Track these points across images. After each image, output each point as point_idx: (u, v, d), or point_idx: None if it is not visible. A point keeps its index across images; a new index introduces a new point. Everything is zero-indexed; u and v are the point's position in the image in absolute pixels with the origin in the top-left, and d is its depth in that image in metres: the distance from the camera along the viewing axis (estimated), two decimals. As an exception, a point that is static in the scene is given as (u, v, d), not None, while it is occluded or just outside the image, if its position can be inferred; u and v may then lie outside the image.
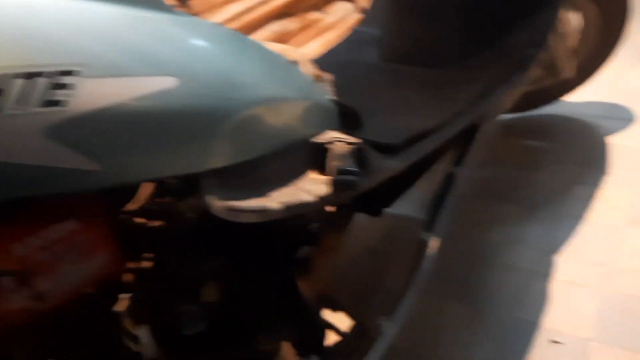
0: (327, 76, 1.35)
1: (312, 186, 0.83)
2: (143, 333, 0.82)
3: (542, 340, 1.16)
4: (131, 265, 0.78)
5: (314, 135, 0.89)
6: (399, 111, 1.17)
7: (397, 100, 1.23)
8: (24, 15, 0.58)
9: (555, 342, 1.15)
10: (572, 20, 1.73)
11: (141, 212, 0.78)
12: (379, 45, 1.54)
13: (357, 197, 0.90)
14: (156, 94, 0.63)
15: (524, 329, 1.20)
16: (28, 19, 0.58)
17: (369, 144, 0.92)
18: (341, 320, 1.17)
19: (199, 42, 0.72)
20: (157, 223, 0.79)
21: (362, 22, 1.71)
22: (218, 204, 0.70)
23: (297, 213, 0.79)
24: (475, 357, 1.17)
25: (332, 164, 0.82)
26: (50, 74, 0.57)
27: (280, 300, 0.84)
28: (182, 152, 0.67)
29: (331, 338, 1.14)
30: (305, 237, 1.03)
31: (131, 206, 0.79)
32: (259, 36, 2.67)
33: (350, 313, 1.21)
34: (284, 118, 0.82)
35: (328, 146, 0.87)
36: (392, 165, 0.97)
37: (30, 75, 0.55)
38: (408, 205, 1.55)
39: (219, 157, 0.71)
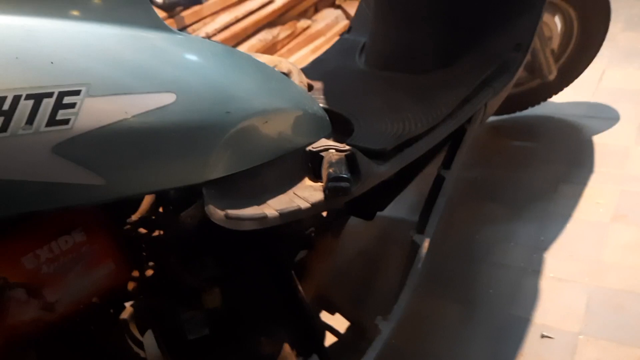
0: (317, 84, 1.39)
1: (306, 193, 0.87)
2: (148, 340, 0.85)
3: (534, 335, 1.20)
4: (135, 274, 0.81)
5: (308, 143, 0.92)
6: (388, 117, 1.20)
7: (385, 106, 1.27)
8: (29, 39, 0.61)
9: (546, 336, 1.19)
10: (553, 23, 1.78)
11: (143, 222, 0.81)
12: (365, 53, 1.57)
13: (351, 201, 0.93)
14: (157, 110, 0.66)
15: (516, 324, 1.23)
16: (33, 42, 0.61)
17: (360, 150, 0.96)
18: (338, 321, 1.20)
19: (196, 59, 0.75)
20: (158, 233, 0.82)
21: (349, 30, 1.75)
22: (218, 212, 0.73)
23: (293, 219, 0.82)
24: (468, 353, 1.20)
25: (325, 171, 0.85)
26: (56, 95, 0.59)
27: (280, 302, 0.87)
28: (182, 165, 0.70)
29: (329, 339, 1.17)
30: (302, 242, 1.07)
31: (134, 217, 0.81)
32: (249, 44, 2.70)
33: (346, 314, 1.24)
34: (279, 128, 0.85)
35: (322, 154, 0.91)
36: (383, 171, 1.00)
37: (37, 97, 0.58)
38: (400, 208, 1.60)
39: (217, 168, 0.74)
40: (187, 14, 2.44)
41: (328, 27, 3.08)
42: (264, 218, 0.77)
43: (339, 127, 1.10)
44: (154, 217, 0.82)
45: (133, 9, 0.70)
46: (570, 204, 1.56)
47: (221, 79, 0.76)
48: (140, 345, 0.85)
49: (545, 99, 1.90)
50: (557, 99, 1.93)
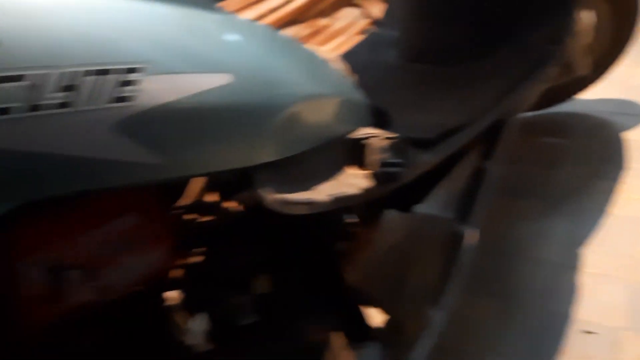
0: (351, 76, 1.38)
1: (354, 180, 0.86)
2: (193, 326, 0.84)
3: (575, 331, 1.18)
4: (183, 259, 0.80)
5: (349, 132, 0.91)
6: (426, 108, 1.19)
7: (421, 98, 1.25)
8: (89, 17, 0.60)
9: (588, 332, 1.16)
10: (586, 18, 1.76)
11: (192, 207, 0.80)
12: (397, 46, 1.56)
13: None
14: (213, 90, 0.66)
15: (556, 321, 1.21)
16: (94, 20, 0.60)
17: (404, 139, 0.94)
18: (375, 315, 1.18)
19: (249, 40, 0.74)
20: (207, 218, 0.81)
21: (379, 24, 1.74)
22: (270, 196, 0.72)
23: (343, 205, 0.81)
24: (508, 351, 1.18)
25: (374, 157, 0.84)
26: (118, 72, 0.59)
27: (328, 291, 0.86)
28: (236, 147, 0.70)
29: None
30: (341, 232, 1.05)
31: (182, 202, 0.81)
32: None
33: (384, 307, 1.22)
34: (325, 114, 0.84)
35: (365, 142, 0.90)
36: (427, 160, 0.99)
37: (100, 73, 0.57)
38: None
39: (268, 152, 0.74)
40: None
41: (348, 25, 3.07)
42: (314, 203, 0.77)
43: (375, 118, 1.09)
44: (201, 202, 0.81)
45: None
46: (605, 200, 1.53)
47: (274, 62, 0.75)
48: (186, 331, 0.84)
49: (576, 94, 1.87)
50: (584, 95, 1.90)
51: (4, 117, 0.52)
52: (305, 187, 0.79)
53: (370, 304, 1.20)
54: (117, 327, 0.79)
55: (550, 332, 1.19)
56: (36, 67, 0.54)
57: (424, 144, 1.00)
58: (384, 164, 0.82)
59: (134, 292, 0.73)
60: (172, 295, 0.85)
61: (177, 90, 0.63)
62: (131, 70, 0.60)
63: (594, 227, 1.44)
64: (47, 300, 0.66)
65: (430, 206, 1.28)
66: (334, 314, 0.82)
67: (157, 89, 0.61)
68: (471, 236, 1.03)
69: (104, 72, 0.58)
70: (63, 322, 0.69)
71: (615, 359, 1.10)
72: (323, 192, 0.79)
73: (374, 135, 0.90)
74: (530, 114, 1.95)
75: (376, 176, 0.83)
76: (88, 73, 0.57)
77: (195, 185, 0.83)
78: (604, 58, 1.83)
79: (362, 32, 2.66)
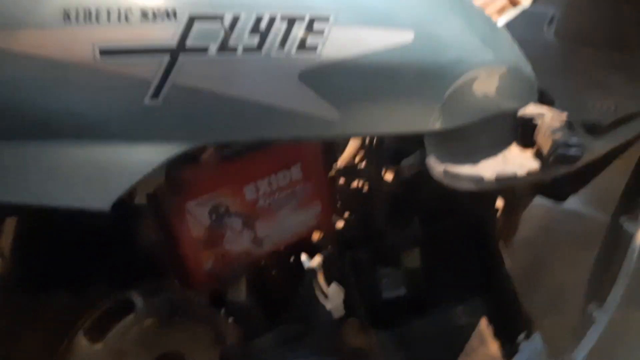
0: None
1: (521, 160, 0.79)
2: (334, 291, 0.83)
3: None
4: (334, 222, 0.78)
5: (518, 107, 0.84)
6: (594, 93, 1.08)
7: (588, 81, 1.14)
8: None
9: None
10: None
11: (349, 171, 0.78)
12: (557, 25, 1.44)
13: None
14: (396, 48, 0.62)
15: None
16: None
17: (577, 120, 0.86)
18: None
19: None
20: (360, 183, 0.79)
21: (535, 1, 1.62)
22: (438, 166, 0.68)
23: (508, 185, 0.75)
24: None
25: (549, 137, 0.77)
26: (307, 19, 0.57)
27: (481, 273, 0.81)
28: (411, 110, 0.66)
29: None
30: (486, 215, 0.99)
31: (339, 164, 0.79)
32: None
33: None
34: (496, 85, 0.78)
35: (536, 119, 0.83)
36: (598, 147, 0.90)
37: (291, 19, 0.56)
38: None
39: (440, 119, 0.69)
40: None
41: (489, 2, 2.92)
42: (481, 179, 0.72)
43: (542, 96, 1.01)
44: (358, 168, 0.78)
45: None
46: None
47: (454, 25, 0.71)
48: (326, 296, 0.83)
49: None
50: None
51: (202, 56, 0.52)
52: (472, 161, 0.74)
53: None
54: (263, 282, 0.79)
55: None
56: (235, 7, 0.53)
57: (596, 129, 0.90)
58: (560, 145, 0.75)
59: (291, 246, 0.73)
60: (316, 257, 0.85)
61: (361, 43, 0.60)
62: (320, 19, 0.58)
63: None
64: (209, 243, 0.67)
65: (584, 198, 1.18)
66: (486, 298, 0.77)
67: (342, 41, 0.59)
68: (639, 234, 0.93)
69: (295, 18, 0.56)
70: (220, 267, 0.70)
71: None
72: (489, 169, 0.74)
73: (545, 114, 0.83)
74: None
75: (550, 157, 0.75)
76: (281, 18, 0.55)
77: (352, 148, 0.81)
78: None
79: (502, 10, 2.52)
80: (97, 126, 0.51)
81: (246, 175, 0.66)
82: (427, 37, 0.65)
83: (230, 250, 0.68)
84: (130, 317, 0.71)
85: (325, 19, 0.58)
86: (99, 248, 0.71)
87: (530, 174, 0.77)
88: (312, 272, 0.83)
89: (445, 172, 0.68)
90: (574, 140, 0.76)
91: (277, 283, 0.82)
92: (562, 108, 1.00)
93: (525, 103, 0.85)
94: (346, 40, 0.59)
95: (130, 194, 0.58)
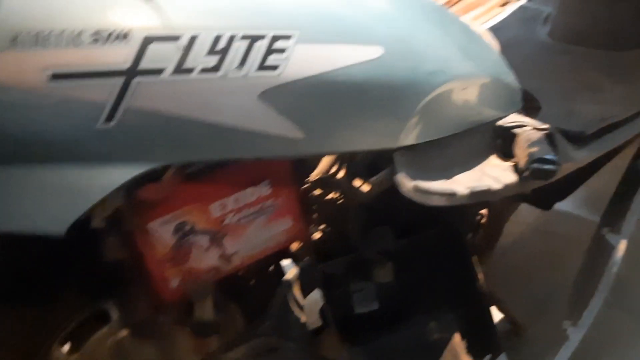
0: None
1: (496, 172, 0.78)
2: (310, 303, 0.82)
3: None
4: (306, 235, 0.78)
5: (499, 117, 0.82)
6: (582, 96, 1.06)
7: (578, 84, 1.12)
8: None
9: None
10: None
11: (322, 183, 0.77)
12: (551, 23, 1.41)
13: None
14: (363, 64, 0.61)
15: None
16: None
17: (558, 131, 0.84)
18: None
19: (403, 12, 0.68)
20: (334, 195, 0.78)
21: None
22: (408, 183, 0.67)
23: (482, 200, 0.74)
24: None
25: (525, 150, 0.76)
26: (269, 38, 0.56)
27: (455, 288, 0.80)
28: (380, 127, 0.65)
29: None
30: (470, 224, 0.98)
31: (312, 177, 0.78)
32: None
33: (502, 308, 1.14)
34: (475, 96, 0.76)
35: (515, 131, 0.81)
36: (580, 157, 0.88)
37: (251, 38, 0.55)
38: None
39: (412, 135, 0.68)
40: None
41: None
42: (453, 195, 0.70)
43: (525, 104, 0.99)
44: (331, 179, 0.77)
45: None
46: None
47: (428, 37, 0.69)
48: (301, 308, 0.82)
49: None
50: None
51: (157, 77, 0.51)
52: (445, 176, 0.72)
53: (496, 305, 1.13)
54: (234, 295, 0.79)
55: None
56: (192, 28, 0.52)
57: (579, 139, 0.89)
58: (535, 160, 0.73)
59: (260, 261, 0.72)
60: (291, 270, 0.84)
61: (326, 61, 0.59)
62: (282, 38, 0.56)
63: None
64: (175, 260, 0.66)
65: (570, 206, 1.17)
66: (458, 315, 0.76)
67: (305, 59, 0.58)
68: (620, 247, 0.91)
69: (256, 37, 0.55)
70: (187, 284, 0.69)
71: None
72: (463, 183, 0.72)
73: (525, 125, 0.81)
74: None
75: (524, 171, 0.74)
76: (241, 37, 0.54)
77: (327, 161, 0.80)
78: None
79: (504, 4, 2.47)
80: (50, 150, 0.50)
81: (211, 193, 0.66)
82: (397, 52, 0.64)
83: (198, 268, 0.68)
84: (105, 328, 0.71)
85: (288, 37, 0.57)
86: (73, 259, 0.71)
87: (506, 188, 0.76)
88: (288, 283, 0.82)
89: (416, 188, 0.67)
90: (549, 155, 0.74)
91: (255, 293, 0.82)
92: (549, 114, 0.99)
93: (506, 113, 0.84)
94: (310, 58, 0.58)
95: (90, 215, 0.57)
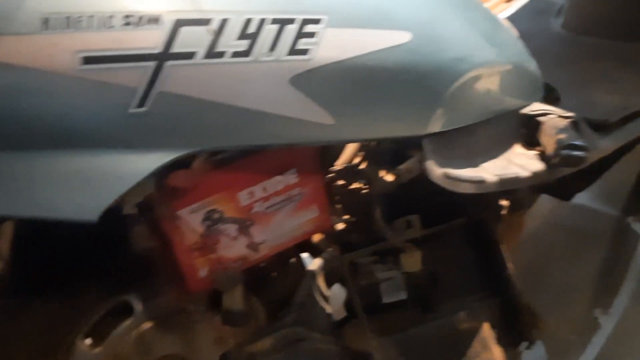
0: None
1: (524, 161, 0.77)
2: (334, 294, 0.82)
3: None
4: (332, 224, 0.77)
5: (522, 106, 0.82)
6: (601, 87, 1.05)
7: (595, 75, 1.11)
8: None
9: None
10: None
11: (348, 173, 0.76)
12: (565, 15, 1.40)
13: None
14: (391, 49, 0.61)
15: None
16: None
17: (582, 119, 0.84)
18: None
19: (432, -2, 0.68)
20: (359, 185, 0.77)
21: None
22: (437, 170, 0.66)
23: (511, 187, 0.73)
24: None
25: (553, 137, 0.75)
26: (299, 22, 0.55)
27: (484, 277, 0.79)
28: (409, 113, 0.65)
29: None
30: (493, 215, 0.97)
31: (337, 166, 0.77)
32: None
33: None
34: (499, 84, 0.76)
35: (541, 119, 0.80)
36: (605, 145, 0.87)
37: (282, 22, 0.54)
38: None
39: (439, 121, 0.67)
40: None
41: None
42: (482, 182, 0.69)
43: (546, 93, 0.98)
44: (356, 169, 0.77)
45: None
46: None
47: (455, 23, 0.69)
48: (326, 299, 0.82)
49: None
50: None
51: (188, 62, 0.51)
52: (473, 164, 0.72)
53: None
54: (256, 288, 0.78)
55: None
56: (222, 11, 0.52)
57: (603, 127, 0.88)
58: (564, 146, 0.73)
59: (287, 250, 0.72)
60: (316, 260, 0.83)
61: (355, 46, 0.58)
62: (312, 22, 0.56)
63: None
64: (203, 249, 0.66)
65: (593, 192, 1.16)
66: (489, 302, 0.76)
67: (335, 43, 0.57)
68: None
69: (286, 21, 0.55)
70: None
71: None
72: (491, 171, 0.72)
73: (550, 112, 0.81)
74: None
75: (553, 158, 0.73)
76: (271, 21, 0.54)
77: (351, 150, 0.79)
78: None
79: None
80: (81, 136, 0.50)
81: (240, 181, 0.65)
82: (425, 37, 0.63)
83: (226, 256, 0.67)
84: (129, 321, 0.71)
85: (317, 21, 0.56)
86: (94, 251, 0.70)
87: (534, 176, 0.75)
88: (312, 274, 0.82)
89: (445, 176, 0.66)
90: (578, 141, 0.74)
91: (277, 285, 0.81)
92: (568, 105, 0.98)
93: (530, 101, 0.83)
94: (340, 43, 0.58)
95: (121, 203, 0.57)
